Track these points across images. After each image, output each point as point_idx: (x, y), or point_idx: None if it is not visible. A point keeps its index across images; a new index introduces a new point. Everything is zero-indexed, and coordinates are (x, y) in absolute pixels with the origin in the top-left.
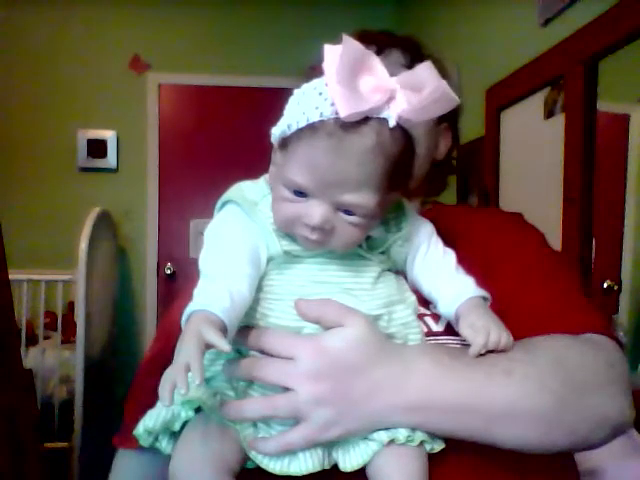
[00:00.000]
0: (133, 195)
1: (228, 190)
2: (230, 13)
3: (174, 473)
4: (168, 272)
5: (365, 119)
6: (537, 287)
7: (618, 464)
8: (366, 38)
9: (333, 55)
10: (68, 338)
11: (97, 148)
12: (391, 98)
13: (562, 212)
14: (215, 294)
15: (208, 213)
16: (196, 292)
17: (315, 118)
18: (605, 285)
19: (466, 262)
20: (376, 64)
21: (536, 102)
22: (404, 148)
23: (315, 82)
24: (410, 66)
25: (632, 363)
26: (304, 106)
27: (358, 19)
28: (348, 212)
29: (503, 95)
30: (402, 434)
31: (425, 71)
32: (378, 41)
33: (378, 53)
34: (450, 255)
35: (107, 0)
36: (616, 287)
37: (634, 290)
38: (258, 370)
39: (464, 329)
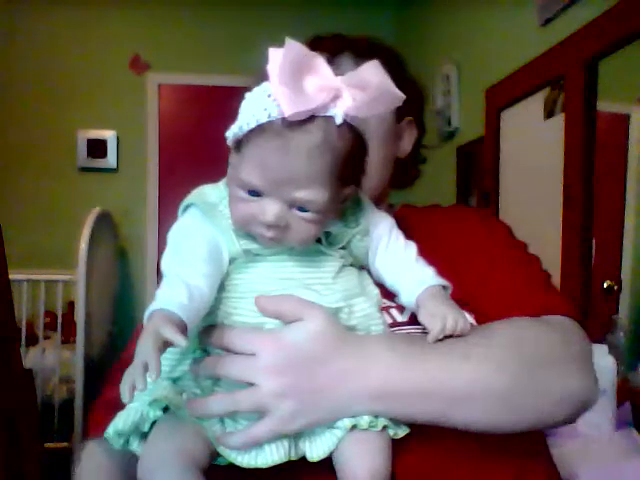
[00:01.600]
0: (133, 195)
1: (190, 194)
2: (230, 13)
3: (142, 470)
4: None
5: (311, 117)
6: (502, 274)
7: (618, 464)
8: (316, 46)
9: (276, 57)
10: (68, 338)
11: (97, 148)
12: (337, 96)
13: (562, 212)
14: (173, 293)
15: None
16: (157, 292)
17: (263, 119)
18: (605, 285)
19: (432, 257)
20: (320, 65)
21: (536, 102)
22: (353, 144)
23: (264, 85)
24: None
25: (632, 363)
26: (254, 108)
27: (358, 20)
28: (302, 209)
29: (503, 95)
30: (365, 420)
31: (370, 70)
32: (329, 48)
33: (330, 61)
34: (411, 247)
35: (107, 0)
36: (616, 287)
37: (634, 290)
38: (221, 367)
39: (423, 317)
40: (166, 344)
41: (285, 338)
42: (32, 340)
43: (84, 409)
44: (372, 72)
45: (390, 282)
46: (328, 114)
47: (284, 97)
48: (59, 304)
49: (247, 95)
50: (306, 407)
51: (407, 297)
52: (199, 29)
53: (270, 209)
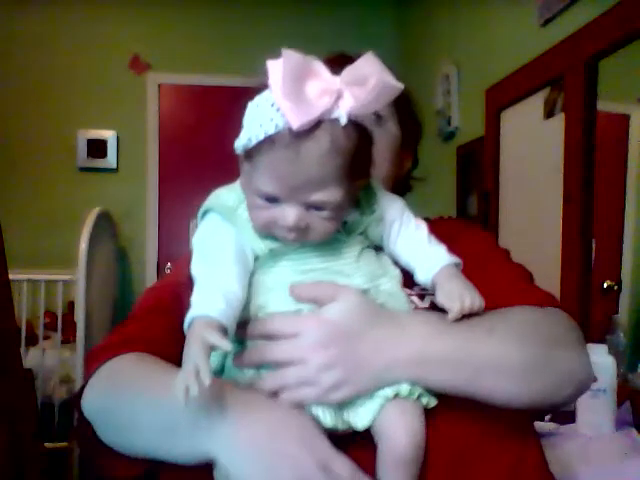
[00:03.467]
0: (133, 195)
1: (207, 199)
2: (230, 13)
3: None
4: (168, 272)
5: (317, 123)
6: (497, 275)
7: (618, 464)
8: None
9: (276, 69)
10: (68, 338)
11: (97, 148)
12: (339, 98)
13: (562, 212)
14: (210, 299)
15: None
16: (193, 299)
17: (271, 130)
18: (605, 285)
19: None
20: (319, 68)
21: (536, 102)
22: (359, 141)
23: (266, 94)
24: None
25: (632, 363)
26: (260, 119)
27: (359, 19)
28: (319, 208)
29: (503, 95)
30: (404, 388)
31: (367, 64)
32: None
33: None
34: (422, 228)
35: (107, 0)
36: (616, 287)
37: (634, 290)
38: (268, 353)
39: (441, 298)
40: (212, 348)
41: (326, 316)
42: (32, 340)
43: None
44: (369, 65)
45: (405, 262)
46: (333, 117)
47: (289, 110)
48: (59, 304)
49: (250, 105)
50: (350, 377)
51: (423, 276)
52: (199, 29)
53: (290, 214)
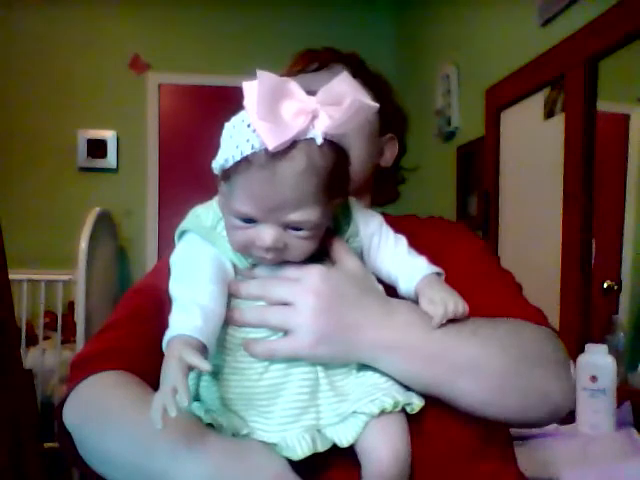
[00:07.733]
0: (133, 195)
1: (185, 219)
2: (230, 13)
3: None
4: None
5: (293, 143)
6: (483, 287)
7: (618, 464)
8: (309, 55)
9: (251, 90)
10: (68, 338)
11: (97, 148)
12: (314, 117)
13: (562, 212)
14: (188, 317)
15: None
16: (171, 318)
17: (247, 151)
18: (605, 285)
19: None
20: (294, 88)
21: (536, 102)
22: (335, 160)
23: (242, 114)
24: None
25: (632, 363)
26: (237, 139)
27: (358, 19)
28: (296, 228)
29: (503, 95)
30: (389, 404)
31: (342, 84)
32: (321, 58)
33: (320, 68)
34: (401, 240)
35: (107, 0)
36: (616, 287)
37: (634, 290)
38: (268, 290)
39: (424, 305)
40: (190, 368)
41: (329, 271)
42: (32, 340)
43: None
44: (344, 85)
45: (386, 274)
46: (308, 137)
47: (265, 131)
48: (59, 304)
49: (227, 125)
50: (331, 336)
51: (405, 287)
52: (199, 29)
53: (267, 234)
